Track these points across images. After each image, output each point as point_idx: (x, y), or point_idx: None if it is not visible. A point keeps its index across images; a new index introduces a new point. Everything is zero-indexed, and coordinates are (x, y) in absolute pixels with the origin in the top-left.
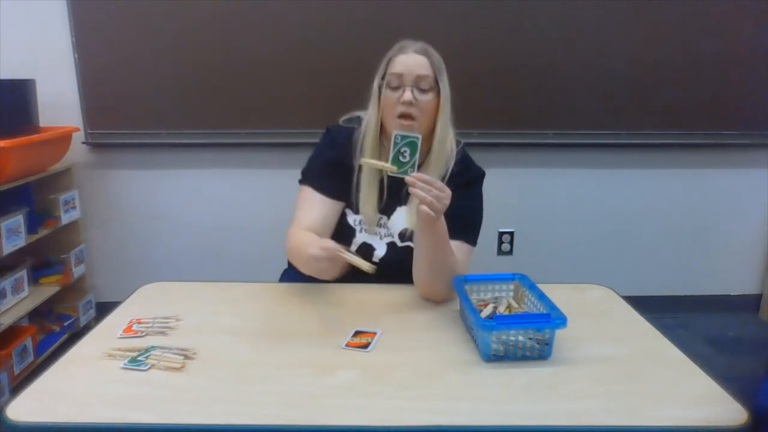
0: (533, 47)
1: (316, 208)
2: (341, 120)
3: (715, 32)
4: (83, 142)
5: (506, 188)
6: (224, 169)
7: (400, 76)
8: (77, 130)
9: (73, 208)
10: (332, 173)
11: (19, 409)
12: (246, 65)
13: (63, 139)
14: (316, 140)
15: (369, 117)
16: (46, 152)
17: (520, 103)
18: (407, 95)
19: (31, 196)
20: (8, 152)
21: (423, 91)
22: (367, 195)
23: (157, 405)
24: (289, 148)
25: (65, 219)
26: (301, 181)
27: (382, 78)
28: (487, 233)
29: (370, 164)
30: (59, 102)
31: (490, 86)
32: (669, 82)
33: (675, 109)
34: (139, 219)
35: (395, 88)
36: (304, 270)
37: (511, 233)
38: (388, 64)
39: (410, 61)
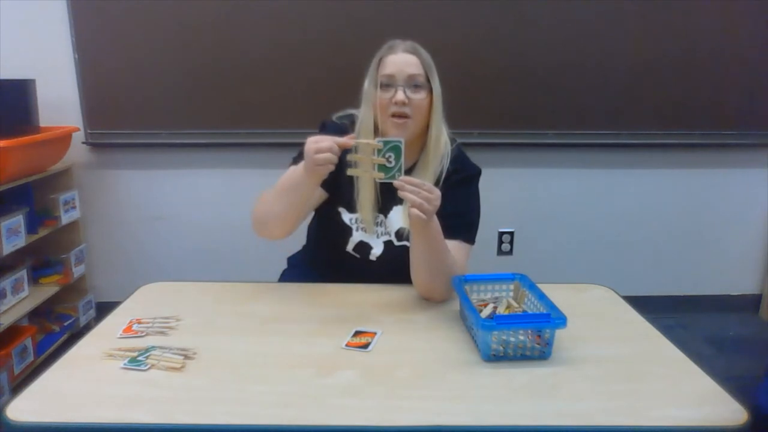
0: (533, 47)
1: None
2: (334, 117)
3: (715, 32)
4: (83, 142)
5: (506, 188)
6: (224, 169)
7: (391, 76)
8: (77, 130)
9: (73, 208)
10: None
11: (19, 409)
12: (246, 65)
13: (63, 139)
14: None
15: (363, 119)
16: (46, 152)
17: (520, 103)
18: (400, 95)
19: (31, 196)
20: (8, 152)
21: (415, 89)
22: (365, 199)
23: (157, 405)
24: (289, 148)
25: (65, 219)
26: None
27: (375, 80)
28: (487, 233)
29: (356, 173)
30: (59, 102)
31: (490, 86)
32: (669, 82)
33: (675, 109)
34: (139, 219)
35: (387, 89)
36: (292, 188)
37: (511, 233)
38: (378, 65)
39: (400, 60)
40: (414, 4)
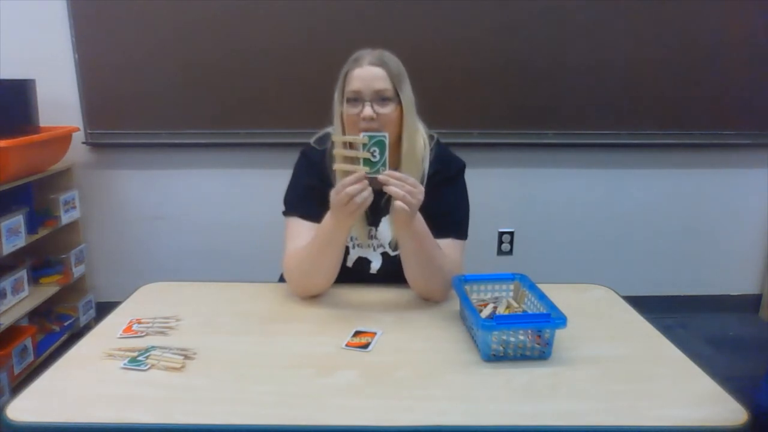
0: (533, 47)
1: (308, 236)
2: (312, 140)
3: (715, 31)
4: (83, 142)
5: (506, 188)
6: (224, 169)
7: (358, 92)
8: (77, 130)
9: (73, 208)
10: (315, 198)
11: (19, 409)
12: (245, 65)
13: (63, 139)
14: None
15: (334, 133)
16: (46, 152)
17: (520, 103)
18: (367, 111)
19: (31, 196)
20: (8, 152)
21: (383, 102)
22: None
23: (157, 405)
24: (289, 147)
25: (65, 219)
26: (286, 213)
27: (342, 94)
28: (487, 233)
29: (342, 169)
30: (59, 102)
31: (490, 86)
32: (669, 81)
33: (675, 109)
34: (139, 219)
35: (355, 104)
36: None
37: (511, 233)
38: (344, 80)
39: (367, 74)
40: (414, 4)
